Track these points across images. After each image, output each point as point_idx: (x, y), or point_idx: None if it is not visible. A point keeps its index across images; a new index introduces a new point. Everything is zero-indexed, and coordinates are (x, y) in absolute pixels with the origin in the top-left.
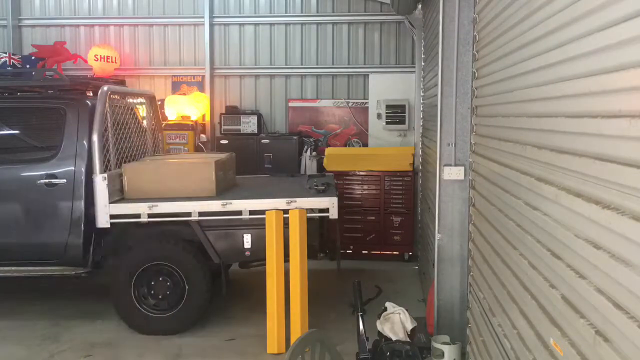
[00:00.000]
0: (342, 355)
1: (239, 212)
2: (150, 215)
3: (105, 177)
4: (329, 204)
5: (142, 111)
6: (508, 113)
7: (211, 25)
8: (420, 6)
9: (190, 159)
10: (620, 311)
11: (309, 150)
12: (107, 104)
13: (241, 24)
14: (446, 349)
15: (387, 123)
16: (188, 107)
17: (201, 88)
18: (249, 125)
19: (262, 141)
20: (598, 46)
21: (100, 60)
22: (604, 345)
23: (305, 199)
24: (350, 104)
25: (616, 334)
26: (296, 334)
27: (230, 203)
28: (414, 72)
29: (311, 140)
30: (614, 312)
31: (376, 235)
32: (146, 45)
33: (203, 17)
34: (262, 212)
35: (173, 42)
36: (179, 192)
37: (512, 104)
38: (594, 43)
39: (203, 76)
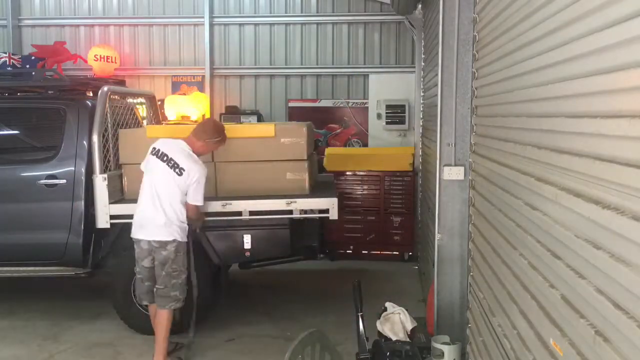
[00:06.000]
0: (342, 355)
1: (239, 213)
2: None
3: (105, 178)
4: (329, 204)
5: (142, 111)
6: (508, 113)
7: (211, 25)
8: (420, 6)
9: None
10: (620, 311)
11: None
12: (107, 104)
13: (241, 24)
14: (446, 349)
15: (387, 123)
16: (188, 107)
17: (201, 88)
18: None
19: None
20: (598, 46)
21: (100, 60)
22: (604, 345)
23: (305, 199)
24: (350, 104)
25: (616, 334)
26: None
27: (230, 204)
28: (414, 72)
29: None
30: (614, 312)
31: (376, 235)
32: (146, 45)
33: (203, 17)
34: (262, 212)
35: (173, 42)
36: None
37: (512, 104)
38: (594, 43)
39: (203, 76)
